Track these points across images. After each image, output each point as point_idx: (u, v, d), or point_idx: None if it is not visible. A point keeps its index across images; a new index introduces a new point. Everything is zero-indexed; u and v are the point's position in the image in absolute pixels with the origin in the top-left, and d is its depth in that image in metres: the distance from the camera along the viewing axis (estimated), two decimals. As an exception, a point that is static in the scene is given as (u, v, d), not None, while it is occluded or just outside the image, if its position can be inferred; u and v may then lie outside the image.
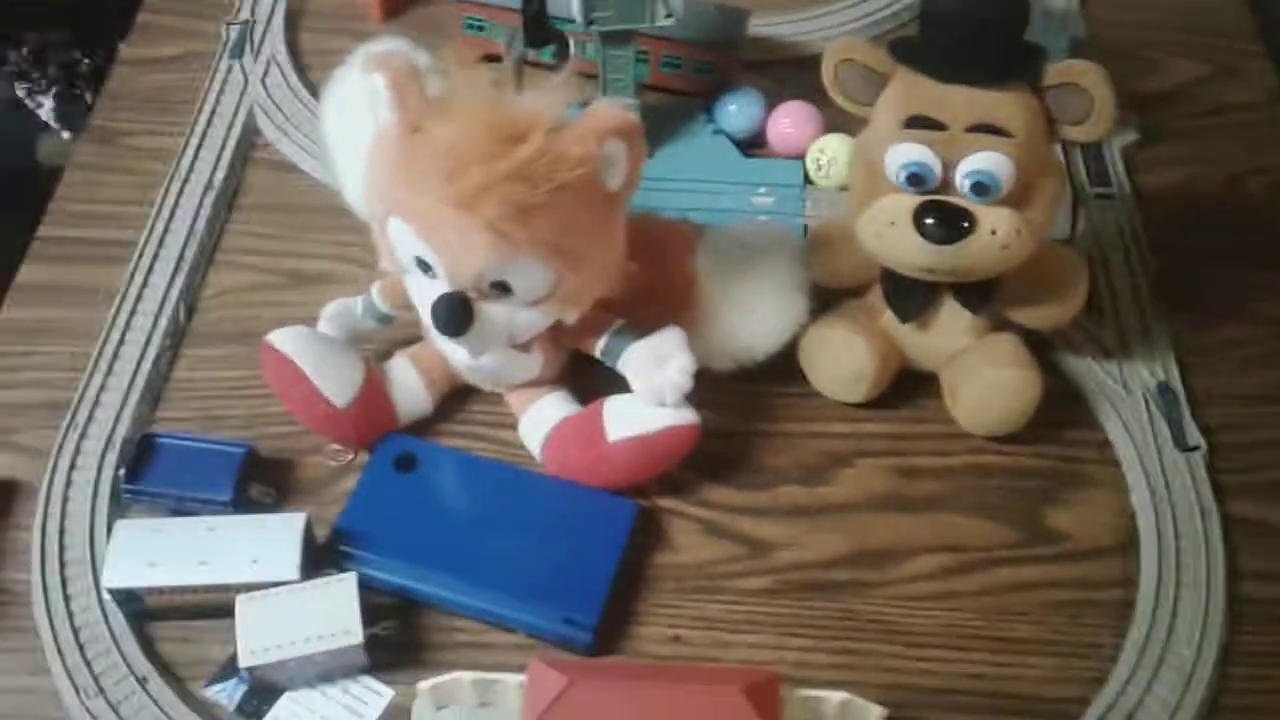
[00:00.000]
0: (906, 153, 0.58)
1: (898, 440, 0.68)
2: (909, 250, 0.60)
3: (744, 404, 0.68)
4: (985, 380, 0.65)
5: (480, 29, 0.82)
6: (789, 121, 0.78)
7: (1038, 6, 0.83)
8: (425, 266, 0.57)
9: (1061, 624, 0.61)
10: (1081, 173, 0.79)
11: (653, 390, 0.61)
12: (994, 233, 0.58)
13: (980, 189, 0.58)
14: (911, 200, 0.59)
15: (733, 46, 0.80)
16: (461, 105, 0.54)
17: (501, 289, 0.57)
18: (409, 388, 0.65)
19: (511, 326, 0.59)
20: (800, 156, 0.78)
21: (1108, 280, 0.74)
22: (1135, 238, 0.76)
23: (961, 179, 0.58)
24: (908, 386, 0.69)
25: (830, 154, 0.76)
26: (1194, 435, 0.67)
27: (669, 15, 0.70)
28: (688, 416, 0.61)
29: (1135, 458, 0.66)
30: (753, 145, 0.81)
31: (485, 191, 0.52)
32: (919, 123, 0.58)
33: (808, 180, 0.78)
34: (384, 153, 0.56)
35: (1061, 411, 0.68)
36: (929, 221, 0.59)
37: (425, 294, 0.58)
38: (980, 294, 0.63)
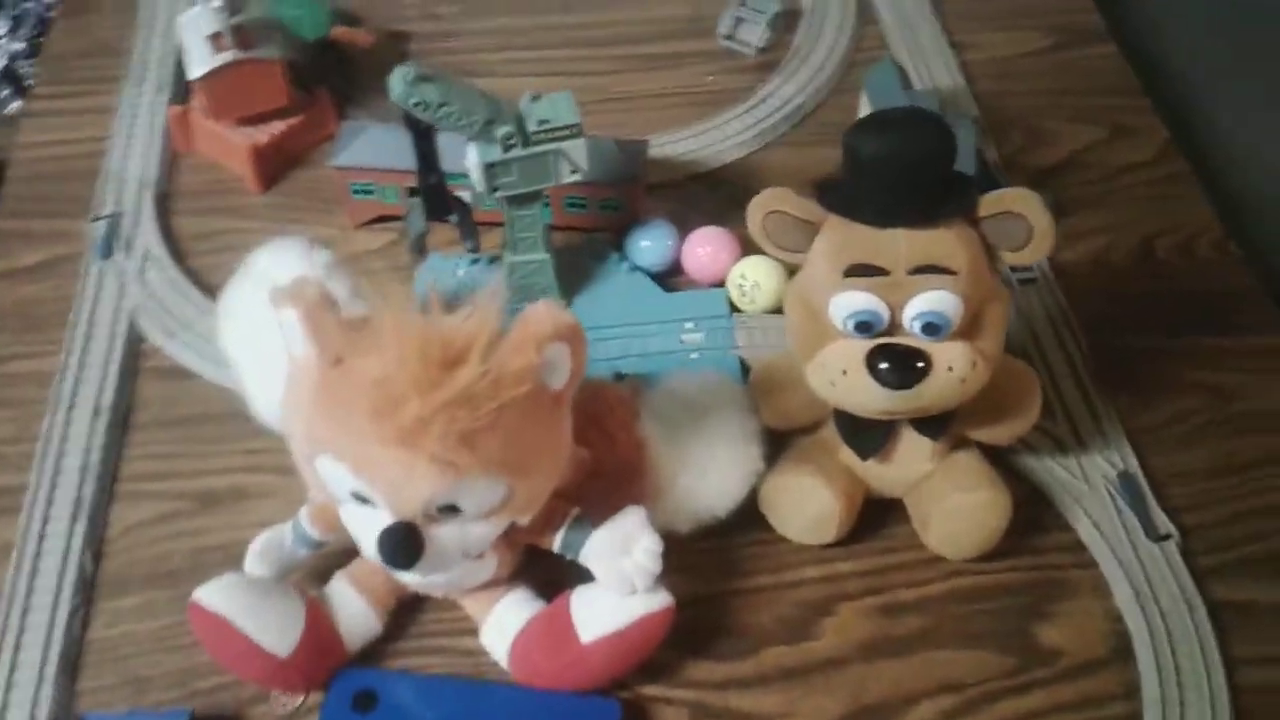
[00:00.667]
0: (852, 302, 0.56)
1: (873, 576, 0.65)
2: (866, 396, 0.58)
3: (713, 563, 0.65)
4: (954, 506, 0.63)
5: (369, 193, 0.78)
6: (705, 250, 0.76)
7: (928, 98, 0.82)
8: (363, 499, 0.52)
9: (1076, 753, 0.59)
10: (1003, 262, 0.78)
11: (621, 579, 0.57)
12: (950, 369, 0.56)
13: (931, 329, 0.56)
14: (862, 346, 0.57)
15: (635, 179, 0.77)
16: (386, 330, 0.49)
17: (450, 510, 0.52)
18: (354, 613, 0.59)
19: (464, 544, 0.55)
20: (720, 283, 0.76)
21: (1048, 369, 0.73)
22: (1066, 320, 0.76)
23: (910, 321, 0.56)
24: (874, 515, 0.66)
25: (752, 278, 0.74)
26: (1164, 523, 0.66)
27: (574, 171, 0.66)
28: (662, 600, 0.57)
29: (1111, 556, 0.65)
30: (669, 274, 0.78)
31: (425, 424, 0.48)
32: (860, 270, 0.55)
33: (733, 308, 0.75)
34: (304, 389, 0.51)
35: (1030, 517, 0.67)
36: (883, 367, 0.56)
37: (365, 525, 0.53)
38: (939, 422, 0.61)
